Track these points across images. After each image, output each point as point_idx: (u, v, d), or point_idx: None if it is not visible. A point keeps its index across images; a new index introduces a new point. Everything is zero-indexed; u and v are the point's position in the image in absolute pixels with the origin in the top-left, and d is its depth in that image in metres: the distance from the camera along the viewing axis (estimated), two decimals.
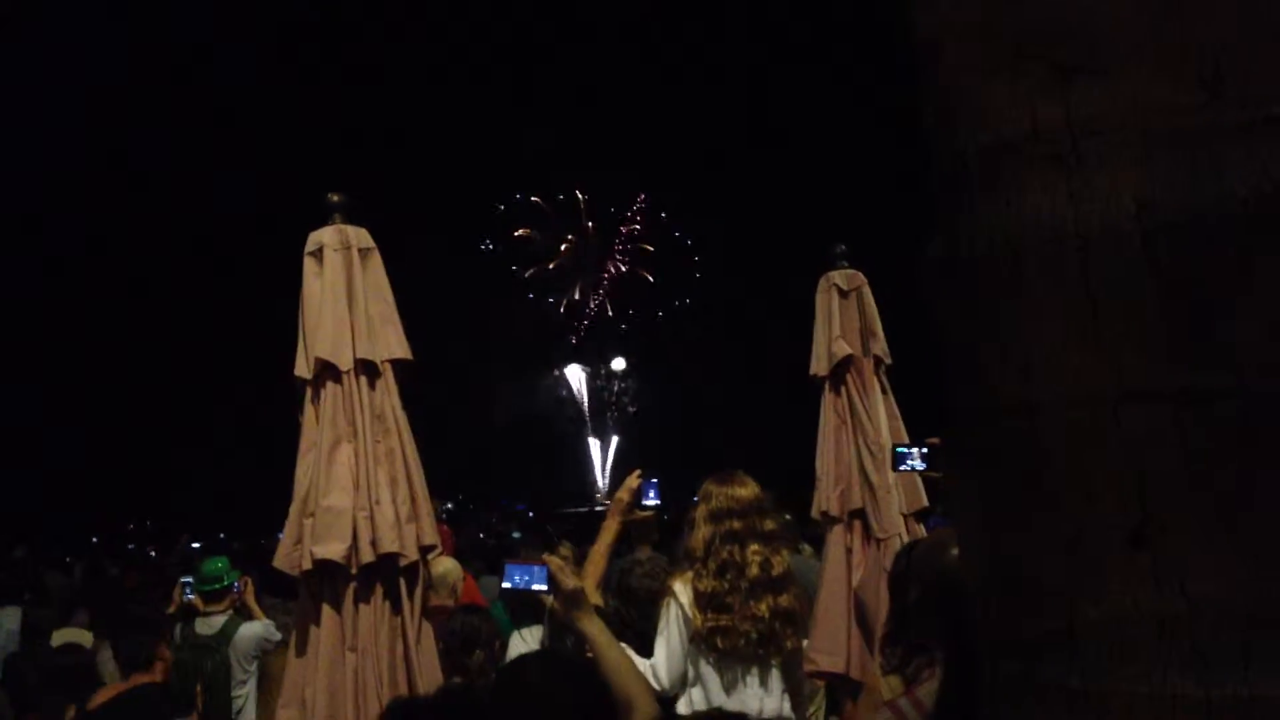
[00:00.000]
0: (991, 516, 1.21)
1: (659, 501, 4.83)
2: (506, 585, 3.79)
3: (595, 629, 3.35)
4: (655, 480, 4.80)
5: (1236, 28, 1.06)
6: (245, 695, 7.25)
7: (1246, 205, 1.04)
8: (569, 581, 3.45)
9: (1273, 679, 1.03)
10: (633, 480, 4.82)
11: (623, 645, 4.46)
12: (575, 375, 43.82)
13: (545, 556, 3.84)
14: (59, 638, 7.78)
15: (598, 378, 43.80)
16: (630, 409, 42.68)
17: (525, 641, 5.82)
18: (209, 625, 7.44)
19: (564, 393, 44.13)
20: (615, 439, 42.72)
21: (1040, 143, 1.12)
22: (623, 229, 42.43)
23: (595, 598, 4.71)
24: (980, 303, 1.20)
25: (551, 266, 42.29)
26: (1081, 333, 1.11)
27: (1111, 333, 1.09)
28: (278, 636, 7.26)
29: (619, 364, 42.91)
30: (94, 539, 28.50)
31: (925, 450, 4.74)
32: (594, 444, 43.65)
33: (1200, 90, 1.06)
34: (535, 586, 3.73)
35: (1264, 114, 1.04)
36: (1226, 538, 1.04)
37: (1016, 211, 1.14)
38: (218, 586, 7.62)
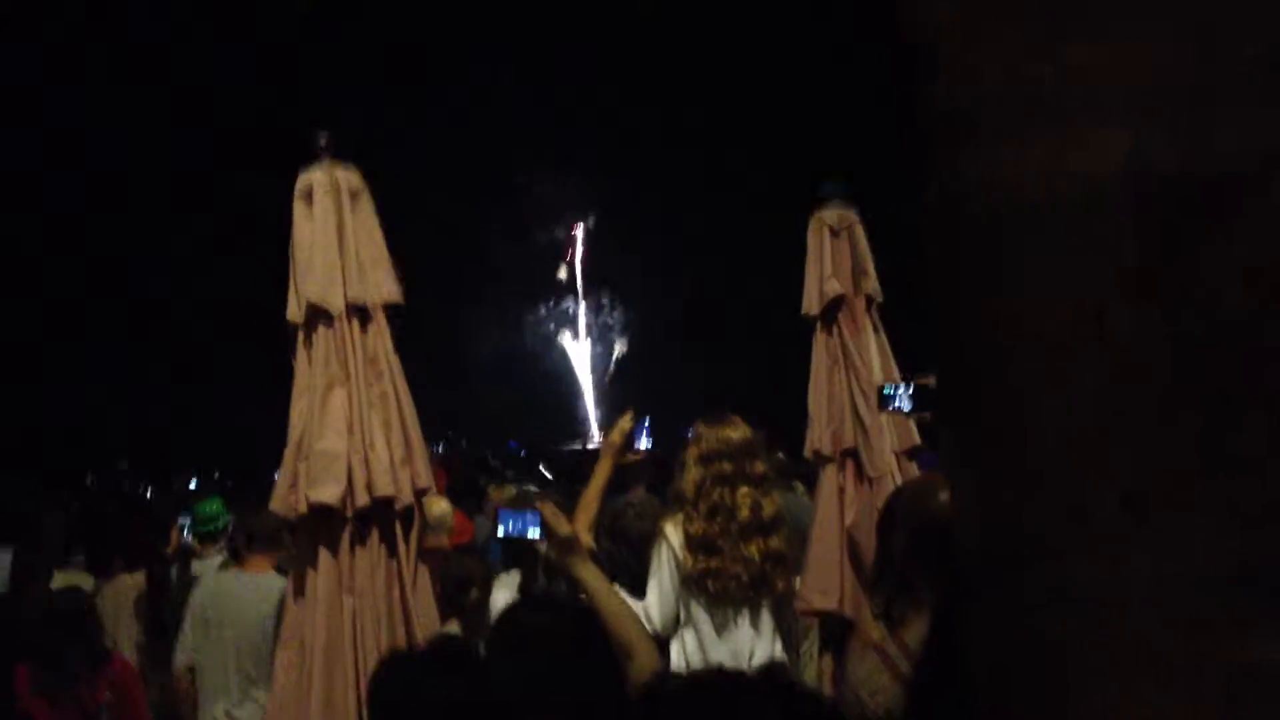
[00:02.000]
0: (980, 470, 1.21)
1: (651, 442, 4.84)
2: (500, 532, 3.81)
3: (590, 575, 3.36)
4: (647, 422, 4.80)
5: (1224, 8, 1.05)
6: None
7: (1234, 163, 1.04)
8: (563, 527, 3.46)
9: (1260, 640, 1.04)
10: (625, 422, 4.81)
11: (616, 588, 4.51)
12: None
13: (538, 502, 3.85)
14: (60, 580, 7.81)
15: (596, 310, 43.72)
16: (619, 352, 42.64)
17: (505, 586, 5.86)
18: (204, 567, 7.47)
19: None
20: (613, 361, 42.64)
21: (1027, 97, 1.12)
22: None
23: (588, 540, 4.74)
24: (964, 254, 1.20)
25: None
26: (1064, 284, 1.11)
27: (1094, 284, 1.09)
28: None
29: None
30: (89, 477, 28.59)
31: (911, 390, 4.75)
32: (586, 381, 43.68)
33: (1191, 50, 1.06)
34: (529, 533, 3.75)
35: (1255, 75, 1.04)
36: (1203, 493, 1.05)
37: (1001, 165, 1.14)
38: (212, 528, 7.66)
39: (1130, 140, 1.07)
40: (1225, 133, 1.04)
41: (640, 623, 3.47)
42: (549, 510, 3.55)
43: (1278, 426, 1.04)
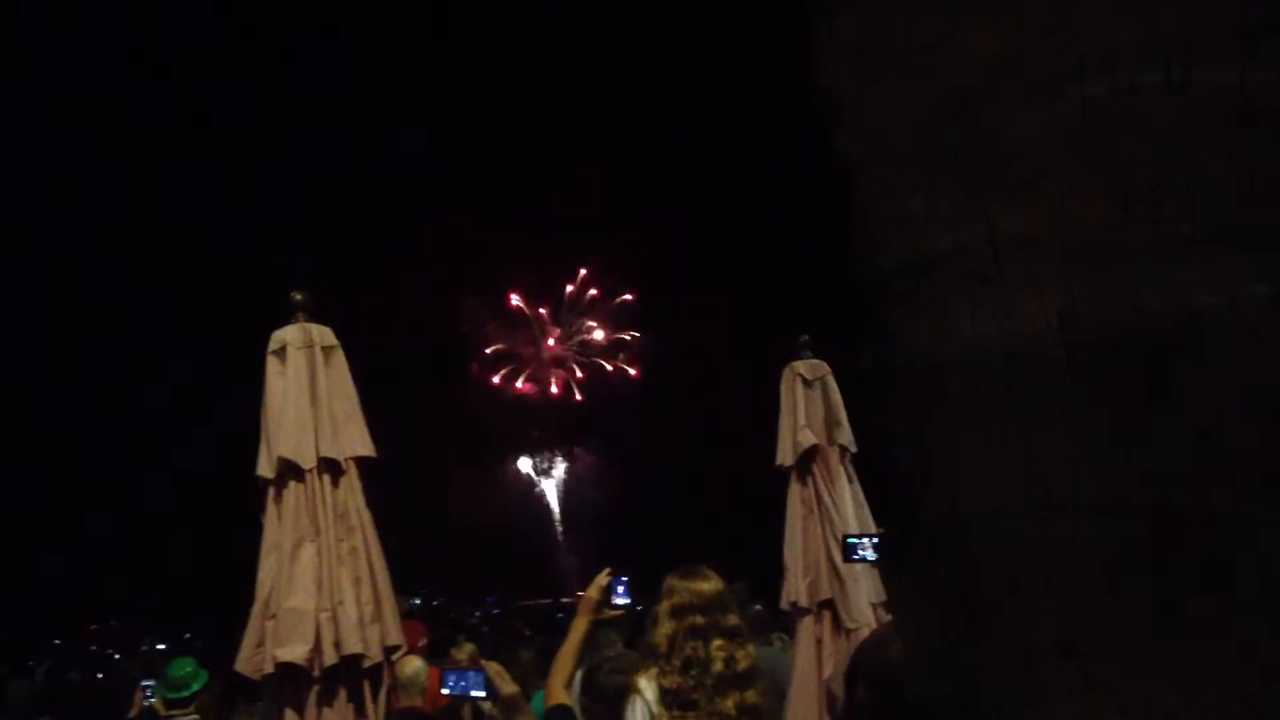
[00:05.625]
0: (928, 625, 1.22)
1: (629, 600, 4.81)
2: (445, 691, 3.76)
3: None
4: (625, 578, 4.78)
5: (1149, 147, 1.09)
6: None
7: (1162, 322, 1.07)
8: (507, 687, 3.43)
9: None
10: (602, 578, 4.80)
11: None
12: (525, 466, 43.65)
13: (484, 662, 3.82)
14: None
15: (568, 462, 43.61)
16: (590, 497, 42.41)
17: None
18: None
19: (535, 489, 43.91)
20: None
21: (961, 261, 1.15)
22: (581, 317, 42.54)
23: (564, 696, 4.66)
24: (906, 418, 1.22)
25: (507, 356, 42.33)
26: (1005, 447, 1.13)
27: (1035, 447, 1.11)
28: None
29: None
30: (56, 641, 27.96)
31: (876, 540, 4.74)
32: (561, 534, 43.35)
33: (1113, 208, 1.09)
34: (474, 692, 3.71)
35: (1175, 233, 1.07)
36: (1153, 653, 1.05)
37: (939, 329, 1.16)
38: (184, 694, 7.44)
39: (1061, 299, 1.10)
40: (1150, 292, 1.07)
41: None
42: (493, 669, 3.52)
43: (1226, 593, 1.04)
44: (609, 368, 42.36)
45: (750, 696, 4.46)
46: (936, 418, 1.17)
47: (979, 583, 1.14)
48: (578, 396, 43.36)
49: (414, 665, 6.49)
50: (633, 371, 41.70)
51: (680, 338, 36.36)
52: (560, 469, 43.89)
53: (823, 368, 5.98)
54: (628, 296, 41.49)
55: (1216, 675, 1.04)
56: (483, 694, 3.58)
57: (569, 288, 42.41)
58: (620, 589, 4.76)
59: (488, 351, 41.69)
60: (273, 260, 28.27)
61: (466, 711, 6.02)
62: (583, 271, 42.05)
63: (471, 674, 3.61)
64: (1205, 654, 1.04)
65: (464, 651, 8.52)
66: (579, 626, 4.72)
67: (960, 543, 1.16)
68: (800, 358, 5.99)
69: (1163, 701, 1.04)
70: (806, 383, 5.92)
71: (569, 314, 42.59)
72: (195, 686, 7.47)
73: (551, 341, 42.70)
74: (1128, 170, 1.09)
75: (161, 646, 21.27)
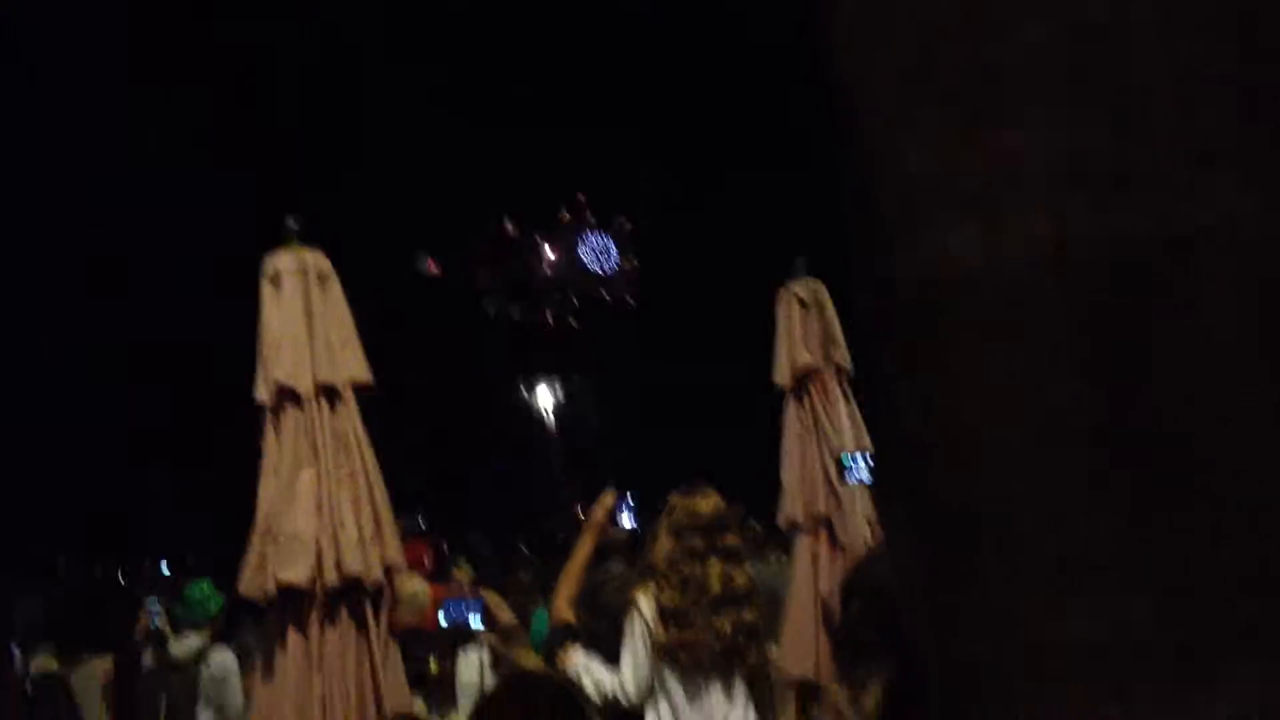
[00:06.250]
0: (919, 545, 1.23)
1: (634, 524, 4.88)
2: (442, 621, 3.81)
3: (532, 664, 3.38)
4: (629, 499, 4.85)
5: (1145, 72, 1.09)
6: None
7: (1154, 243, 1.07)
8: (504, 616, 3.48)
9: (1193, 705, 1.06)
10: (607, 499, 4.86)
11: (595, 660, 4.49)
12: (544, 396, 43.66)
13: (483, 591, 3.87)
14: (36, 666, 7.71)
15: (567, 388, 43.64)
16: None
17: (469, 663, 5.81)
18: (184, 647, 7.37)
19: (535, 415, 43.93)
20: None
21: (956, 186, 1.15)
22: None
23: (569, 614, 4.73)
24: (898, 338, 1.23)
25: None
26: (998, 369, 1.14)
27: (1029, 368, 1.12)
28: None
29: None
30: (60, 560, 28.18)
31: (871, 459, 4.78)
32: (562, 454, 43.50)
33: (1111, 133, 1.09)
34: (471, 622, 3.76)
35: (1168, 157, 1.08)
36: (1140, 568, 1.08)
37: (933, 253, 1.17)
38: (202, 614, 7.48)
39: (1056, 224, 1.11)
40: (1142, 213, 1.08)
41: (589, 705, 3.47)
42: (492, 600, 3.57)
43: (1207, 504, 1.07)
44: (605, 297, 42.20)
45: (747, 615, 4.53)
46: (928, 338, 1.18)
47: (970, 500, 1.16)
48: (572, 323, 43.26)
49: (414, 584, 6.55)
50: (629, 299, 41.56)
51: (676, 260, 36.21)
52: (560, 392, 43.94)
53: (819, 288, 5.99)
54: (626, 223, 41.22)
55: (1195, 587, 1.07)
56: (479, 622, 3.63)
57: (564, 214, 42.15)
58: (625, 509, 4.84)
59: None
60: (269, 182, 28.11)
61: None
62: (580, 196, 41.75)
63: (469, 603, 3.66)
64: (1185, 562, 1.06)
65: (463, 573, 8.63)
66: (583, 546, 4.79)
67: (952, 460, 1.17)
68: (796, 278, 5.99)
69: (1150, 613, 1.07)
70: (803, 303, 5.93)
71: (568, 237, 42.36)
72: (212, 608, 7.54)
73: (548, 268, 42.49)
74: (1124, 96, 1.09)
75: (165, 569, 21.48)
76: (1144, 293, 1.08)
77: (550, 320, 42.17)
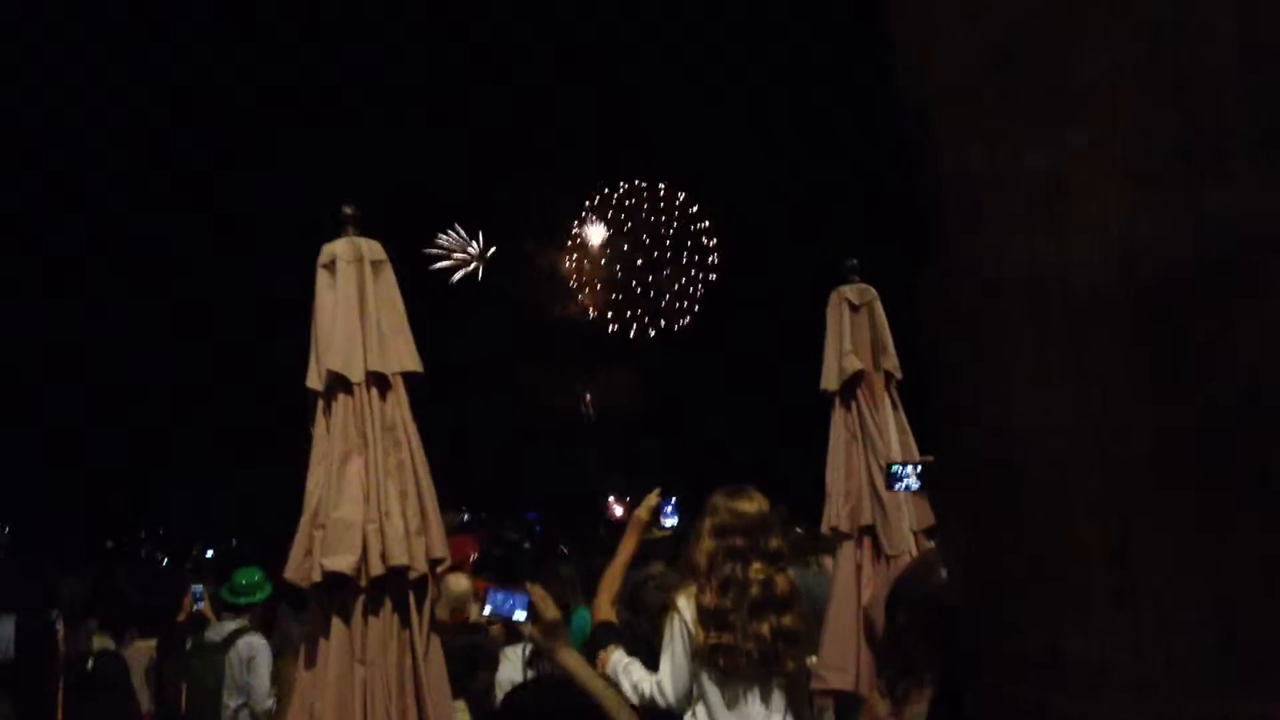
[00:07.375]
0: (978, 545, 1.22)
1: (677, 521, 4.86)
2: (488, 610, 3.79)
3: (574, 661, 3.37)
4: (674, 500, 4.84)
5: (1214, 84, 1.07)
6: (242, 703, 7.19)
7: (1220, 250, 1.06)
8: (549, 611, 3.47)
9: (1245, 701, 1.05)
10: (652, 499, 4.86)
11: (634, 661, 4.47)
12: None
13: (528, 585, 3.86)
14: (97, 643, 7.79)
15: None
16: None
17: (509, 660, 5.80)
18: (218, 631, 7.43)
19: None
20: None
21: (1026, 192, 1.14)
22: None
23: (611, 613, 4.72)
24: (961, 335, 1.21)
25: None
26: (1060, 368, 1.12)
27: (1091, 370, 1.10)
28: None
29: None
30: (108, 543, 28.56)
31: (920, 469, 4.74)
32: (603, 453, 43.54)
33: (1179, 141, 1.08)
34: (516, 614, 3.75)
35: (1240, 156, 1.06)
36: (1197, 568, 1.06)
37: (1000, 256, 1.15)
38: (244, 600, 7.52)
39: (1122, 231, 1.09)
40: (1210, 219, 1.06)
41: (626, 707, 3.45)
42: (538, 594, 3.55)
43: (1270, 508, 1.05)
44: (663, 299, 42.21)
45: (787, 620, 4.48)
46: (991, 335, 1.17)
47: (1027, 495, 1.14)
48: (605, 315, 43.32)
49: (462, 585, 6.53)
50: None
51: (729, 263, 36.21)
52: (604, 386, 43.96)
53: (870, 292, 5.95)
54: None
55: (1247, 583, 1.05)
56: (524, 616, 3.62)
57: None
58: (669, 509, 4.82)
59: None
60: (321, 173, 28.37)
61: (498, 630, 6.09)
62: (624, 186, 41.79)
63: (518, 595, 3.65)
64: (1244, 563, 1.05)
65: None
66: (627, 545, 4.79)
67: (1009, 457, 1.16)
68: (848, 282, 5.95)
69: (1204, 612, 1.05)
70: (853, 307, 5.89)
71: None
72: (259, 596, 7.59)
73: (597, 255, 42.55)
74: (1193, 104, 1.07)
75: (210, 553, 21.69)
76: (1220, 293, 1.06)
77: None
